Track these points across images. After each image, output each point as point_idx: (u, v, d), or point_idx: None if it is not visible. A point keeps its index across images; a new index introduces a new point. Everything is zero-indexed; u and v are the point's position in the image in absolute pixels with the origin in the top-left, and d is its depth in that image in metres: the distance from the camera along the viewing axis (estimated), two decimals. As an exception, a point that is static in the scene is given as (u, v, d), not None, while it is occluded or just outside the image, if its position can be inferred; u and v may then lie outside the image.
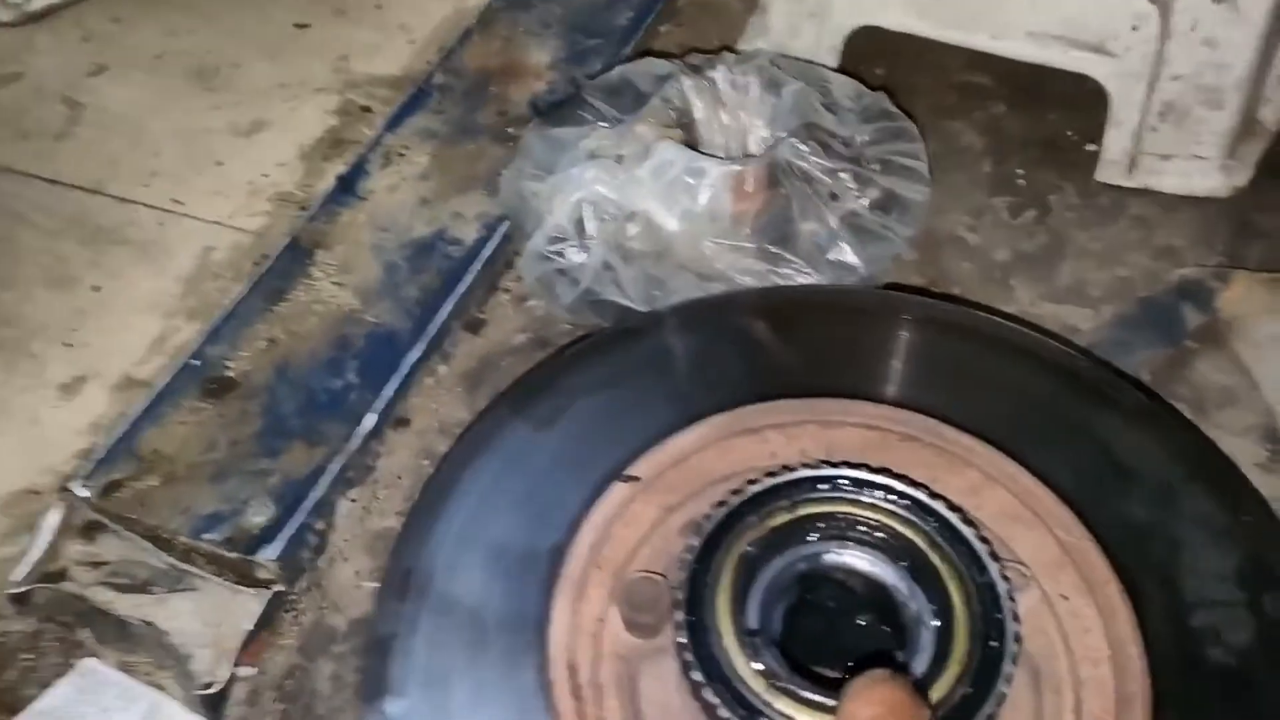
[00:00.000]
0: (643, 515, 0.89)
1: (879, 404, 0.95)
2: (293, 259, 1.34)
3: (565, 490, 0.89)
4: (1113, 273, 1.28)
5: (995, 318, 1.02)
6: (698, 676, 0.73)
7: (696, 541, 0.80)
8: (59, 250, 1.39)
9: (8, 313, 1.33)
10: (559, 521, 0.87)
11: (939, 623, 0.76)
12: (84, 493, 1.11)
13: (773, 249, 1.06)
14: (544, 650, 0.79)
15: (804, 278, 1.06)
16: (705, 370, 0.98)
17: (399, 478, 1.17)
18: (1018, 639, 0.74)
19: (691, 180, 1.06)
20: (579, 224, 1.08)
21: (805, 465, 0.84)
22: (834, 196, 1.08)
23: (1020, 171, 1.40)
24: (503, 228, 1.35)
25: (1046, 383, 0.95)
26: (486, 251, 1.33)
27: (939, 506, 0.80)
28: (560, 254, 1.09)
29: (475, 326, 1.31)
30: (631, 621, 0.82)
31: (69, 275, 1.36)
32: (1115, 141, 1.35)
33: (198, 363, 1.23)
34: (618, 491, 0.89)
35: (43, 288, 1.35)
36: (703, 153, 1.15)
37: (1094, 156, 1.38)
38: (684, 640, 0.75)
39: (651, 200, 1.07)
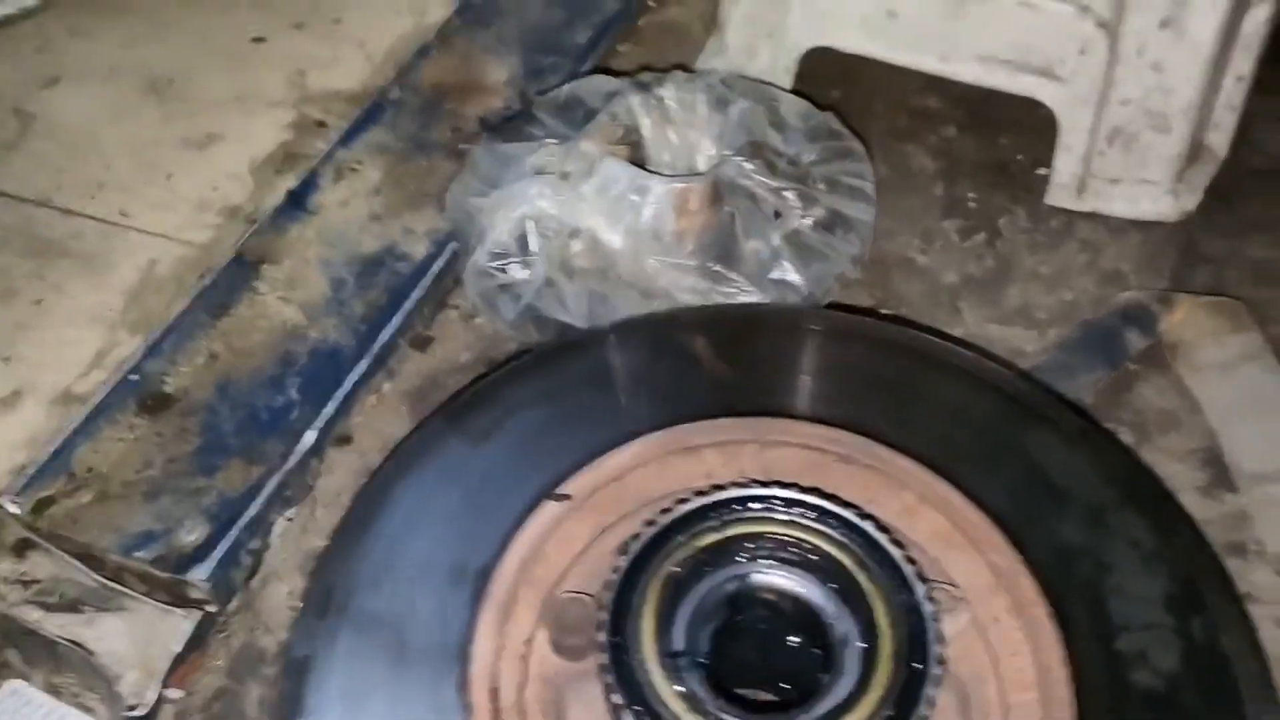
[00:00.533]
0: (576, 534, 0.89)
1: (819, 424, 0.94)
2: (237, 273, 1.33)
3: (497, 507, 0.88)
4: (1059, 296, 1.29)
5: (935, 339, 1.02)
6: (618, 699, 0.72)
7: (623, 561, 0.79)
8: (0, 262, 1.38)
9: (-55, 326, 1.31)
10: (489, 539, 0.86)
11: (865, 644, 0.76)
12: (15, 509, 1.09)
13: (715, 267, 1.06)
14: (466, 672, 0.78)
15: (746, 296, 1.06)
16: (645, 387, 0.97)
17: (339, 496, 1.16)
18: (941, 661, 0.73)
19: (635, 197, 1.06)
20: (522, 240, 1.08)
21: (736, 485, 0.83)
22: (778, 215, 1.08)
23: (971, 195, 1.41)
24: (453, 244, 1.34)
25: (984, 404, 0.96)
26: (436, 268, 1.32)
27: (868, 527, 0.80)
28: (502, 270, 1.08)
29: (422, 344, 1.30)
30: (559, 643, 0.81)
31: (10, 288, 1.35)
32: (1064, 165, 1.36)
33: (136, 378, 1.22)
34: (550, 510, 0.89)
35: (-18, 301, 1.34)
36: (649, 170, 1.15)
37: (1044, 180, 1.39)
38: (605, 662, 0.74)
39: (595, 217, 1.07)
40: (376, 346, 1.25)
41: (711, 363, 0.99)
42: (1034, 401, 0.96)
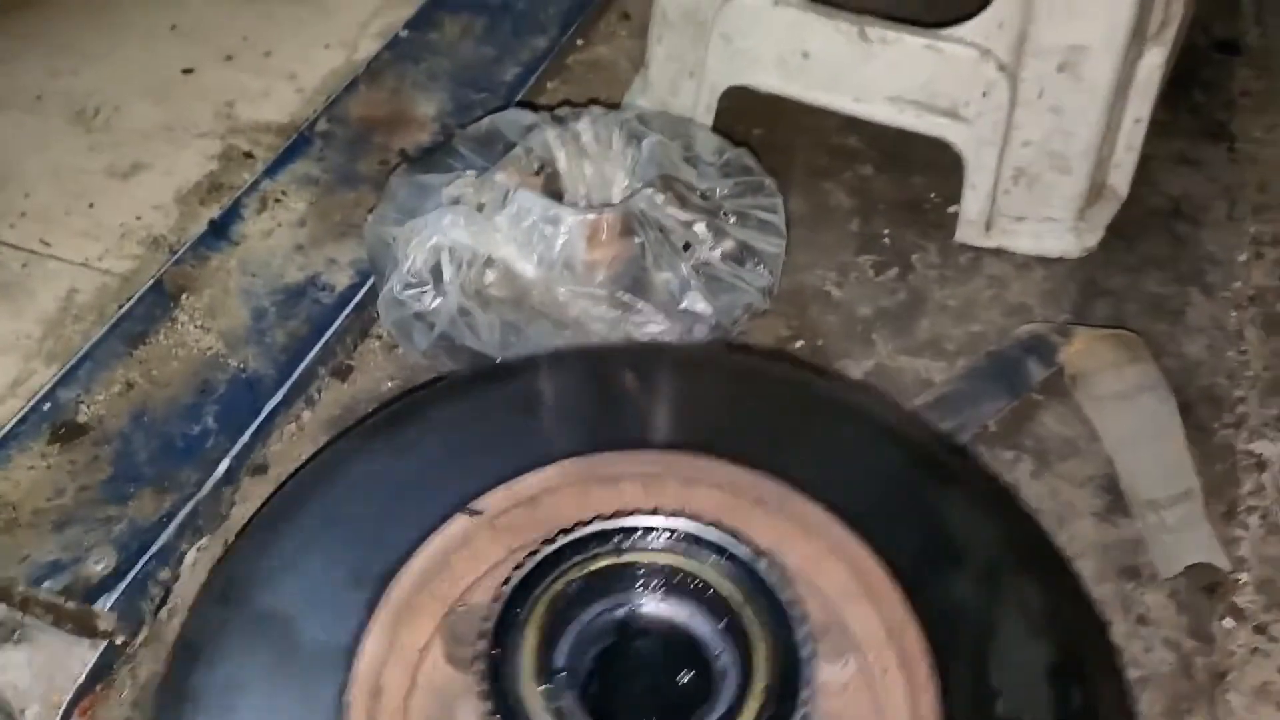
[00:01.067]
0: (486, 552, 0.90)
1: (737, 464, 0.94)
2: (155, 302, 1.34)
3: (408, 517, 0.89)
4: (967, 328, 1.34)
5: (862, 392, 1.05)
6: (490, 710, 0.73)
7: (515, 575, 0.80)
8: (-85, 290, 1.37)
9: None
10: (395, 547, 0.87)
11: (740, 680, 0.77)
12: (-84, 538, 1.09)
13: (625, 297, 1.09)
14: (349, 672, 0.79)
15: (655, 326, 1.09)
16: (568, 414, 0.99)
17: (252, 525, 1.16)
18: (806, 702, 0.75)
19: (548, 228, 1.09)
20: (435, 269, 1.10)
21: (639, 513, 0.85)
22: (688, 246, 1.12)
23: (886, 231, 1.46)
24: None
25: (899, 460, 0.97)
26: (358, 298, 1.34)
27: (760, 567, 0.81)
28: (416, 298, 1.10)
29: (344, 373, 1.31)
30: (452, 655, 0.82)
31: (-77, 316, 1.34)
32: (972, 203, 1.41)
33: (48, 406, 1.22)
34: (460, 524, 0.90)
35: (-106, 328, 1.33)
36: (565, 202, 1.18)
37: (955, 218, 1.45)
38: (482, 672, 0.75)
39: (508, 246, 1.09)
40: (296, 375, 1.26)
41: (637, 396, 1.01)
42: (947, 461, 0.98)
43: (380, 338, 1.35)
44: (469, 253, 1.09)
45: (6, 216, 1.47)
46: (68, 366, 1.25)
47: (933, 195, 1.50)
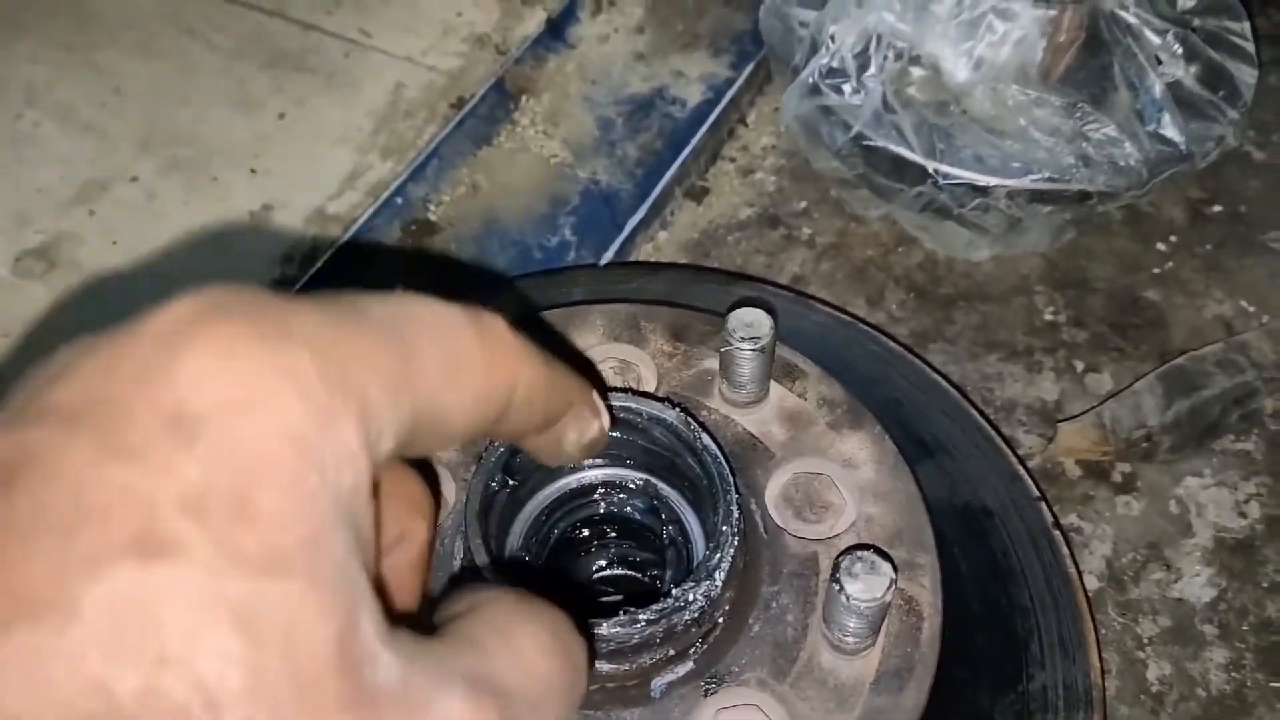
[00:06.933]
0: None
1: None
2: (497, 102, 1.27)
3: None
4: None
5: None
6: None
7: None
8: (238, 72, 1.34)
9: (185, 131, 1.28)
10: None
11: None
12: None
13: (1085, 109, 0.96)
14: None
15: (1117, 147, 0.97)
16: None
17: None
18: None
19: (999, 21, 0.97)
20: (860, 58, 0.99)
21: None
22: (1158, 61, 0.98)
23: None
24: (730, 91, 1.27)
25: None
26: (713, 115, 1.26)
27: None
28: (835, 90, 0.99)
29: (697, 195, 1.24)
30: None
31: (251, 98, 1.31)
32: None
33: (399, 202, 1.18)
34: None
35: (223, 109, 1.30)
36: None
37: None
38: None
39: (942, 43, 0.98)
40: (655, 193, 1.19)
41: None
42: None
43: (734, 160, 1.27)
44: (899, 45, 0.98)
45: (322, 2, 1.42)
46: (415, 163, 1.21)
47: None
